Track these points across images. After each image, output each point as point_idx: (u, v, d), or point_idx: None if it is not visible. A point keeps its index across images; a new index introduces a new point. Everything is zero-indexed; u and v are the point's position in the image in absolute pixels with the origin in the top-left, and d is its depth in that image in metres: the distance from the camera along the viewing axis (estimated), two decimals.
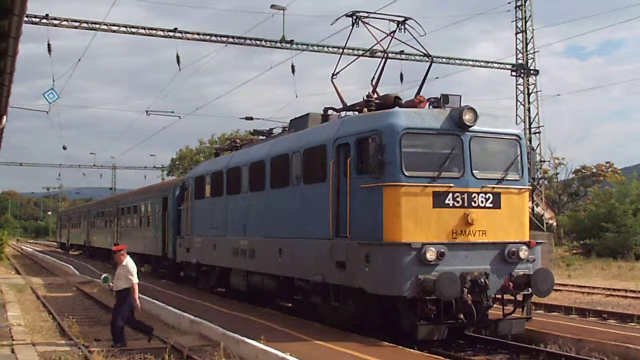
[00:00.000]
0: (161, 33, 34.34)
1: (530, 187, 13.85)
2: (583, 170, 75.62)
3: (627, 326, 16.02)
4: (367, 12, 15.67)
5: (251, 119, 28.43)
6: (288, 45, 35.94)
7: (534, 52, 42.35)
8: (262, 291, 18.50)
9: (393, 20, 15.69)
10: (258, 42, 35.81)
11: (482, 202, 13.01)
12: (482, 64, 41.88)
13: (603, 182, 67.16)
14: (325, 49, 36.84)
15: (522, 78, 42.68)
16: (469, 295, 12.29)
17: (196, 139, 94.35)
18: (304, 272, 15.28)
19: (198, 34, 35.06)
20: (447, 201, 12.75)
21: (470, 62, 41.08)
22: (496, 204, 13.15)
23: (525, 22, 42.05)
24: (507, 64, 42.74)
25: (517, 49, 42.39)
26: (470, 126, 13.00)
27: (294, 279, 16.03)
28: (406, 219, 12.53)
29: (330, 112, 16.68)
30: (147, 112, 38.41)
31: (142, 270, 35.92)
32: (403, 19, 15.61)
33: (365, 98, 14.95)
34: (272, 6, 33.63)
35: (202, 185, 22.90)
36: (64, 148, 55.06)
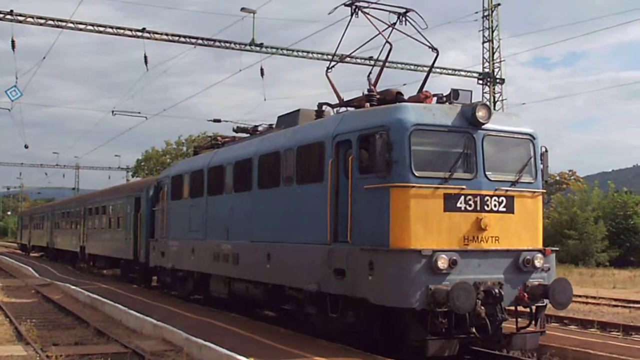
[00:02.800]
0: (129, 33, 33.43)
1: (544, 191, 12.90)
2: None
3: (587, 332, 16.19)
4: (367, 2, 14.63)
5: (219, 121, 27.75)
6: (257, 48, 35.49)
7: (500, 62, 42.88)
8: (247, 299, 17.33)
9: (394, 12, 14.69)
10: (227, 45, 35.38)
11: (495, 206, 12.03)
12: (450, 71, 42.00)
13: (566, 189, 67.82)
14: (295, 53, 36.65)
15: (489, 86, 42.98)
16: (482, 307, 11.27)
17: (163, 140, 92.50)
18: (296, 280, 14.15)
19: (167, 34, 34.38)
20: (458, 204, 11.73)
21: (438, 70, 41.17)
22: (509, 208, 12.18)
23: (492, 31, 42.40)
24: (474, 72, 43.18)
25: (483, 57, 42.88)
26: (484, 124, 12.02)
27: (284, 287, 14.91)
28: (415, 223, 11.48)
29: (324, 107, 15.61)
30: (113, 112, 37.96)
31: (105, 274, 34.67)
32: (404, 10, 14.61)
33: (366, 92, 13.88)
34: (243, 9, 33.39)
35: (179, 185, 21.61)
36: (26, 147, 53.40)
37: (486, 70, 42.52)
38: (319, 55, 37.23)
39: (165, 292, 23.30)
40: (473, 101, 12.64)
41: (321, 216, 13.19)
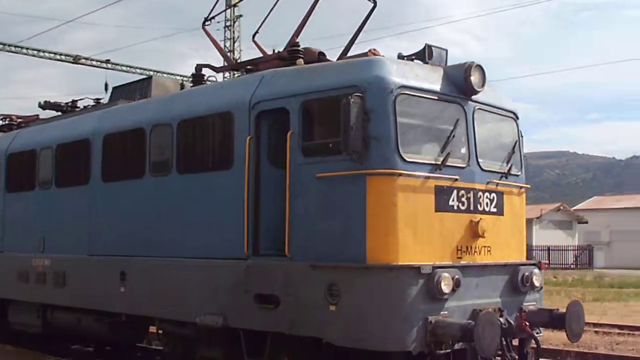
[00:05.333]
0: None
1: (529, 186, 10.01)
2: None
3: None
4: None
5: None
6: None
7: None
8: (77, 335, 12.53)
9: None
10: None
11: (487, 205, 8.90)
12: (189, 79, 40.65)
13: None
14: (25, 50, 33.73)
15: None
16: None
17: None
18: (176, 310, 9.91)
19: None
20: (451, 202, 8.42)
21: (178, 77, 39.50)
22: (500, 209, 9.13)
23: (234, 42, 41.52)
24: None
25: None
26: (477, 92, 8.84)
27: (153, 320, 10.58)
28: (404, 228, 7.94)
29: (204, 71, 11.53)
30: None
31: None
32: None
33: (289, 48, 10.03)
34: None
35: None
36: None
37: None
38: (52, 55, 34.53)
39: None
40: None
41: (229, 218, 9.21)
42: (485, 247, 8.74)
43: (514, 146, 9.58)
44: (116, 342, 12.31)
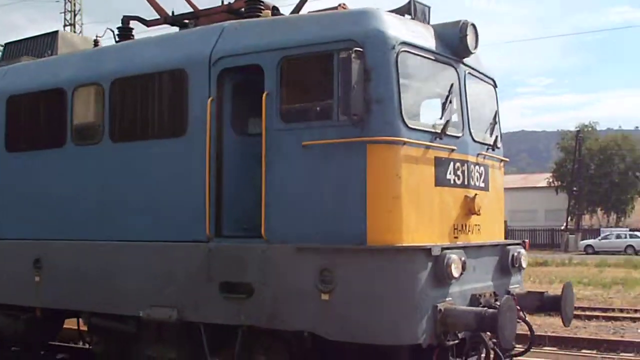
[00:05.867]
0: None
1: (508, 160, 9.27)
2: None
3: None
4: None
5: None
6: None
7: None
8: None
9: None
10: None
11: (477, 179, 8.11)
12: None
13: None
14: None
15: None
16: (488, 333, 7.27)
17: None
18: (115, 302, 8.43)
19: None
20: (448, 176, 7.54)
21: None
22: (486, 184, 8.36)
23: (75, 15, 41.34)
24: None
25: None
26: (471, 54, 7.98)
27: (75, 314, 9.04)
28: (408, 204, 6.96)
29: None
30: None
31: None
32: None
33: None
34: None
35: None
36: None
37: None
38: None
39: None
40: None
41: (182, 194, 7.91)
42: (476, 225, 7.96)
43: (495, 116, 8.84)
44: (27, 341, 10.50)
